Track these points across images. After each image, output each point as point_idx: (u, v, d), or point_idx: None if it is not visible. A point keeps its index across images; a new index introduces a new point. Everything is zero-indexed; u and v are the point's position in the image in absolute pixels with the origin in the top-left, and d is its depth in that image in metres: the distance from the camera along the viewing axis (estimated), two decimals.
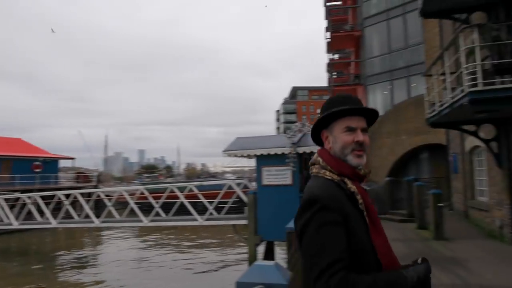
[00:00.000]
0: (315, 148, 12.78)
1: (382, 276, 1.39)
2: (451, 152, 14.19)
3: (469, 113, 7.90)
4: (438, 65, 9.81)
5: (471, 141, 11.62)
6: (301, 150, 12.67)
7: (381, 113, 22.00)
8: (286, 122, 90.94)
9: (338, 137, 1.60)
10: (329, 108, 1.63)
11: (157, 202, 15.79)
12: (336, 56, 38.44)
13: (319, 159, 1.63)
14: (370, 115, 1.67)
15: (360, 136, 1.58)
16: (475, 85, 6.66)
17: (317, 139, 1.74)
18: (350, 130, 1.58)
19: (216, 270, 15.23)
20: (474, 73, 6.79)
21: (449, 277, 6.28)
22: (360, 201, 1.51)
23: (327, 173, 1.56)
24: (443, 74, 8.62)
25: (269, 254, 14.16)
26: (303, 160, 13.70)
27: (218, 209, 15.49)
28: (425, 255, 1.72)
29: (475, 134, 9.57)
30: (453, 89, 8.08)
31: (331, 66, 32.16)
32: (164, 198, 15.65)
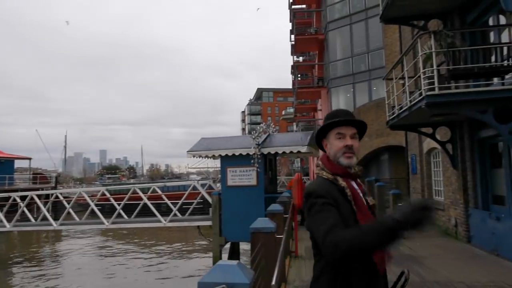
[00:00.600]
0: (280, 149, 12.94)
1: (365, 225, 1.70)
2: (410, 154, 14.69)
3: (426, 116, 8.23)
4: (398, 70, 10.16)
5: (428, 143, 12.09)
6: (265, 151, 12.74)
7: None
8: (252, 123, 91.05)
9: (332, 143, 1.97)
10: (326, 122, 2.02)
11: (119, 204, 15.41)
12: (300, 59, 38.99)
13: (320, 162, 2.01)
14: (361, 126, 2.03)
15: (348, 141, 1.94)
16: (432, 89, 6.93)
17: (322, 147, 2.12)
18: (340, 136, 1.94)
19: (180, 272, 15.04)
20: (431, 77, 7.07)
21: None
22: (349, 193, 1.85)
23: (324, 173, 1.93)
24: (403, 78, 8.93)
25: (234, 255, 14.15)
26: (267, 161, 13.79)
27: (183, 211, 15.31)
28: None
29: (432, 136, 9.97)
30: (411, 92, 8.38)
31: (296, 68, 32.57)
32: (126, 199, 15.29)
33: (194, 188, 15.44)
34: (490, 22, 8.47)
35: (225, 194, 13.19)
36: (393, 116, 9.73)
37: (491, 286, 5.82)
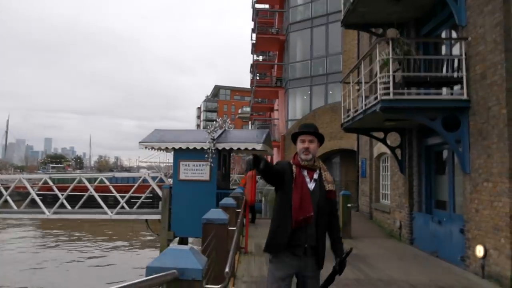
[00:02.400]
0: (235, 145, 12.85)
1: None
2: (361, 158, 15.13)
3: (379, 120, 8.48)
4: (355, 74, 10.40)
5: (378, 148, 12.50)
6: (220, 146, 12.59)
7: (299, 116, 22.83)
8: (207, 120, 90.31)
9: (298, 145, 3.17)
10: (295, 131, 3.29)
11: (62, 194, 14.63)
12: (260, 58, 39.12)
13: (293, 156, 3.27)
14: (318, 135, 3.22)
15: (305, 144, 3.12)
16: (387, 94, 7.15)
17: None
18: (302, 141, 3.14)
19: (125, 265, 14.55)
20: (386, 83, 7.29)
21: (354, 272, 6.66)
22: (294, 176, 3.08)
23: (291, 161, 3.19)
24: (359, 82, 9.15)
25: None
26: (222, 157, 13.65)
27: (131, 204, 14.81)
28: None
29: (383, 140, 10.29)
30: (366, 97, 8.60)
31: (255, 67, 32.62)
32: (71, 189, 14.52)
33: (145, 180, 15.00)
34: (443, 36, 8.88)
35: (176, 188, 12.90)
36: (347, 118, 9.95)
37: (430, 285, 6.08)
